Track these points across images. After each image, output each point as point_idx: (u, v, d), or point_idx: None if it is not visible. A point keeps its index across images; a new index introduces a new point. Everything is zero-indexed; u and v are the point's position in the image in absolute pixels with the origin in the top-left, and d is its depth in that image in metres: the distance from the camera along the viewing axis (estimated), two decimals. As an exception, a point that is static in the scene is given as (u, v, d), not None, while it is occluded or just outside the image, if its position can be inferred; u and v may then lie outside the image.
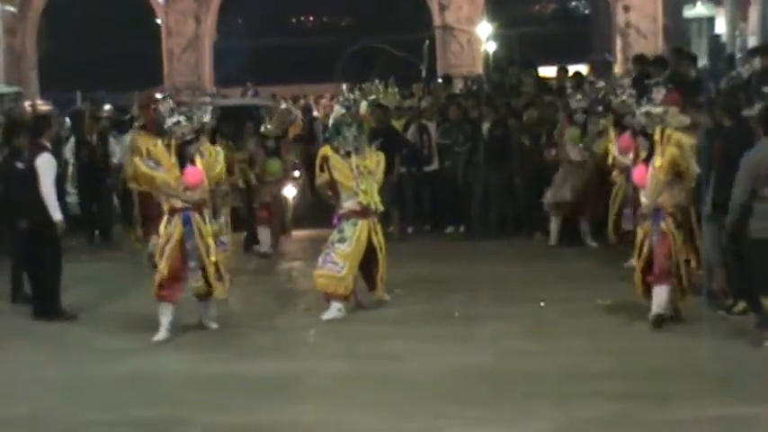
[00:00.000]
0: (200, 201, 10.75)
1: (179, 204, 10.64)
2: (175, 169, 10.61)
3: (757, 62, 14.43)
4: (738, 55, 22.50)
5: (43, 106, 28.44)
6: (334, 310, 11.39)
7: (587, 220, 15.17)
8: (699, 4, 30.79)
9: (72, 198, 18.15)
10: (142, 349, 10.33)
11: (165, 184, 10.60)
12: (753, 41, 23.62)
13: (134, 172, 11.02)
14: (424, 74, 32.60)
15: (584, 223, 15.25)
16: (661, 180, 10.26)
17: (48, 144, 12.07)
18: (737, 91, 12.44)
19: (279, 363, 9.77)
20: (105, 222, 17.57)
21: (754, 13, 24.91)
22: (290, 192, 16.06)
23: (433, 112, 18.07)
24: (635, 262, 10.70)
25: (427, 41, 37.71)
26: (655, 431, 7.73)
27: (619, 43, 36.67)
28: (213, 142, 12.29)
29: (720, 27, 28.93)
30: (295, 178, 16.50)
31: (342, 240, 11.53)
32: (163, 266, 10.62)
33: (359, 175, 11.56)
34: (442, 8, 37.41)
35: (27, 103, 27.40)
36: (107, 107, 24.18)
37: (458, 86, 23.31)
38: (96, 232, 17.41)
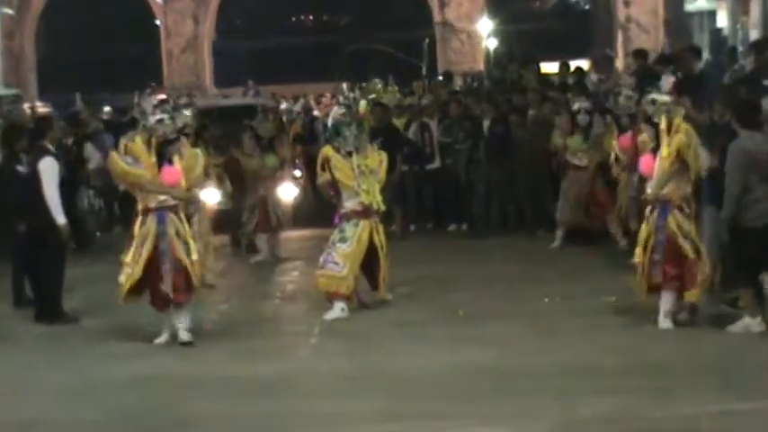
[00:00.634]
0: (182, 200, 10.68)
1: (153, 204, 10.43)
2: (154, 168, 10.43)
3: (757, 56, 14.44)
4: (740, 48, 22.51)
5: (42, 108, 28.50)
6: (337, 309, 11.43)
7: (614, 219, 14.47)
8: (700, -3, 30.80)
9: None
10: (143, 352, 10.36)
11: (146, 181, 10.38)
12: (754, 35, 23.63)
13: (113, 169, 10.70)
14: (424, 71, 32.67)
15: (612, 224, 14.59)
16: (667, 169, 10.14)
17: (50, 147, 12.01)
18: (738, 86, 12.47)
19: (282, 363, 9.80)
20: (76, 228, 17.41)
21: (755, 7, 24.92)
22: (290, 191, 16.04)
23: (434, 109, 18.08)
24: (638, 259, 10.51)
25: (427, 39, 37.79)
26: (657, 427, 7.74)
27: (620, 38, 36.70)
28: (194, 145, 12.31)
29: (722, 21, 28.92)
30: (296, 178, 16.51)
31: (343, 240, 11.57)
32: (137, 269, 10.41)
33: (360, 175, 11.59)
34: (442, 5, 37.46)
35: (26, 106, 27.45)
36: (106, 109, 24.26)
37: (458, 83, 23.32)
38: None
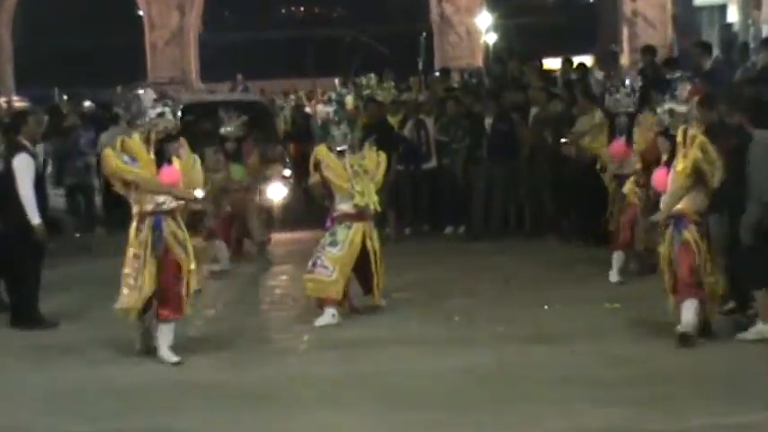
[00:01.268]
0: (184, 199, 10.47)
1: (150, 207, 10.06)
2: (152, 166, 10.06)
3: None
4: (752, 45, 22.54)
5: (19, 103, 28.49)
6: (328, 315, 11.44)
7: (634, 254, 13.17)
8: (710, -9, 30.80)
9: (53, 199, 18.25)
10: (125, 358, 10.35)
11: (144, 180, 10.02)
12: (766, 30, 23.65)
13: (106, 168, 10.30)
14: (420, 67, 32.68)
15: (635, 262, 13.22)
16: (682, 185, 10.01)
17: (26, 143, 11.93)
18: (744, 85, 12.50)
19: (270, 370, 9.83)
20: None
21: (767, 2, 24.94)
22: (280, 192, 16.02)
23: (431, 106, 18.08)
24: (664, 277, 10.28)
25: (424, 33, 37.78)
26: (662, 439, 7.82)
27: (625, 33, 36.71)
28: None
29: (732, 16, 28.93)
30: (285, 177, 16.52)
31: (333, 244, 11.57)
32: (146, 279, 9.97)
33: (354, 176, 11.59)
34: (440, -3, 37.43)
35: (2, 100, 27.45)
36: (87, 103, 24.29)
37: (455, 80, 23.32)
38: None
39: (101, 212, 19.67)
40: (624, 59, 34.25)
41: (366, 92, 18.87)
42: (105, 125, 19.23)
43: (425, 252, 15.92)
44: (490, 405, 8.55)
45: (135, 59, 39.66)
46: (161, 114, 10.14)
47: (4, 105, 24.82)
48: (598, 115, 14.25)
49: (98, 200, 19.72)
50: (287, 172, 18.64)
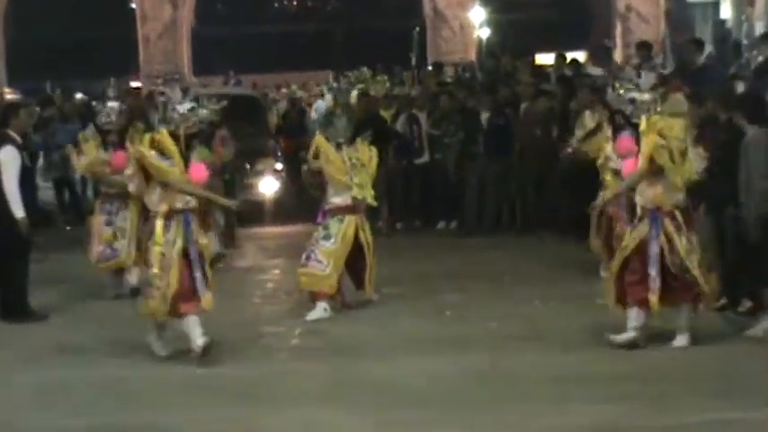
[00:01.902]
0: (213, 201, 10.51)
1: (179, 205, 9.72)
2: (182, 163, 9.71)
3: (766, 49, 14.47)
4: (744, 41, 22.52)
5: (11, 95, 28.39)
6: (320, 310, 11.39)
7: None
8: (703, -14, 30.82)
9: (43, 192, 18.20)
10: (115, 352, 10.30)
11: (181, 182, 9.63)
12: (760, 27, 23.64)
13: (140, 163, 9.79)
14: (414, 61, 32.64)
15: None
16: (640, 171, 9.75)
17: (14, 135, 11.85)
18: (733, 82, 12.45)
19: (261, 365, 9.77)
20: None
21: (760, -2, 24.95)
22: (271, 186, 15.96)
23: (424, 101, 18.03)
24: (610, 266, 10.16)
25: (417, 28, 37.73)
26: (657, 436, 7.77)
27: (619, 28, 36.68)
28: None
29: (726, 12, 28.94)
30: (277, 171, 16.45)
31: (326, 237, 11.52)
32: (171, 279, 9.60)
33: (352, 168, 11.55)
34: (433, -8, 37.36)
35: (-7, 92, 27.36)
36: (79, 96, 24.19)
37: (448, 74, 23.28)
38: None
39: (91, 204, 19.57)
40: (617, 55, 34.23)
41: (359, 86, 18.80)
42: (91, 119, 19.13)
43: (417, 247, 15.87)
44: (483, 403, 8.50)
45: (127, 52, 39.54)
46: (192, 109, 9.82)
47: (-4, 98, 24.71)
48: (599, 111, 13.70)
49: (89, 192, 19.61)
50: (279, 166, 18.59)
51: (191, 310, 9.77)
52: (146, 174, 9.80)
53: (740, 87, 11.85)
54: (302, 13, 57.15)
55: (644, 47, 17.19)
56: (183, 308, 9.74)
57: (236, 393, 8.98)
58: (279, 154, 19.38)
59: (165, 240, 9.65)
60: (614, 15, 37.10)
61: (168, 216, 9.70)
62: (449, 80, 21.31)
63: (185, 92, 10.16)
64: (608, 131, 12.35)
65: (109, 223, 12.64)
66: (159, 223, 9.68)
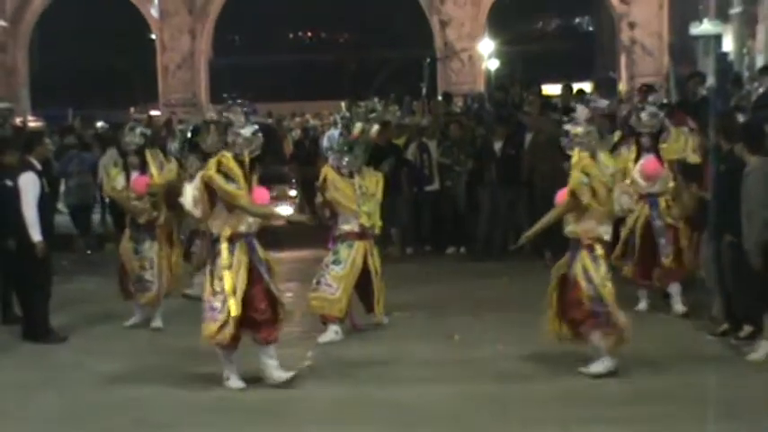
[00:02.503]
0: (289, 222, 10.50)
1: (244, 229, 9.50)
2: (246, 187, 9.50)
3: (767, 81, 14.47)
4: (746, 73, 22.53)
5: (34, 123, 28.49)
6: (331, 332, 11.38)
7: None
8: (705, 21, 30.83)
9: (63, 218, 18.25)
10: (133, 373, 10.32)
11: (246, 203, 9.42)
12: (761, 60, 23.66)
13: (209, 186, 9.46)
14: (424, 91, 32.69)
15: (674, 285, 12.22)
16: (564, 205, 9.69)
17: (35, 162, 11.99)
18: (735, 113, 12.44)
19: (273, 387, 9.73)
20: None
21: (761, 31, 24.96)
22: (285, 211, 15.98)
23: (435, 130, 18.08)
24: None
25: (428, 59, 37.81)
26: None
27: (623, 61, 36.71)
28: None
29: (728, 45, 28.97)
30: (291, 197, 16.47)
31: (336, 262, 11.52)
32: (236, 307, 9.33)
33: (361, 196, 11.57)
34: (443, 25, 37.43)
35: (18, 120, 27.43)
36: (99, 123, 24.24)
37: (458, 104, 23.32)
38: None
39: (111, 229, 19.61)
40: (622, 86, 34.27)
41: (371, 115, 18.80)
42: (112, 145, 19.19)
43: (427, 271, 15.83)
44: (490, 424, 8.49)
45: (147, 82, 39.71)
46: (255, 133, 9.61)
47: (20, 125, 24.78)
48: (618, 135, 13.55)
49: (108, 218, 19.64)
50: (292, 192, 18.61)
51: (268, 338, 9.57)
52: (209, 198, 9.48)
53: (741, 118, 11.84)
54: (317, 44, 57.37)
55: (649, 90, 17.04)
56: (263, 334, 9.52)
57: (249, 414, 8.97)
58: (293, 181, 19.40)
59: (231, 264, 9.41)
60: (619, 48, 37.14)
61: (232, 240, 9.46)
62: (458, 110, 21.33)
63: (250, 114, 9.93)
64: (633, 154, 12.13)
65: (137, 252, 12.26)
66: (224, 247, 9.44)
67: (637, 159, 12.09)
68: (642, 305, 12.19)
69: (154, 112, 31.53)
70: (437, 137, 17.84)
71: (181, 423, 8.81)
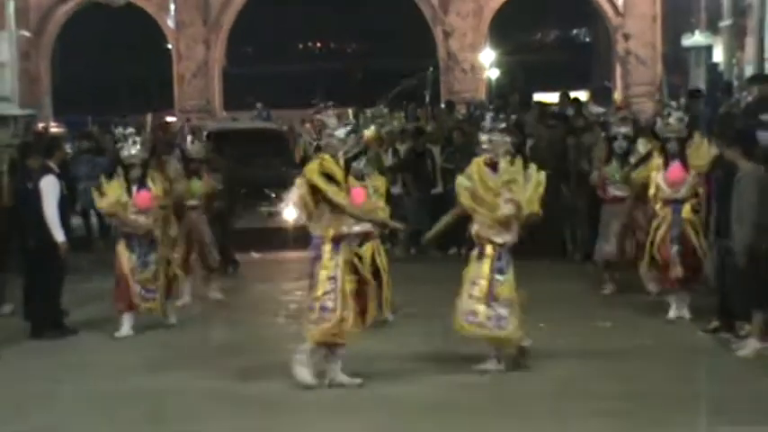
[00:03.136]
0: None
1: (346, 229, 9.31)
2: (345, 188, 9.29)
3: (755, 90, 14.45)
4: (736, 83, 22.52)
5: (55, 128, 28.53)
6: None
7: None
8: (697, 33, 30.82)
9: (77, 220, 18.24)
10: (148, 366, 10.34)
11: (350, 207, 9.29)
12: (750, 70, 23.64)
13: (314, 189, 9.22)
14: (427, 99, 32.69)
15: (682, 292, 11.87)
16: (456, 207, 9.99)
17: (54, 166, 12.01)
18: (732, 120, 12.43)
19: (284, 380, 9.69)
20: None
21: (750, 42, 24.92)
22: (294, 213, 15.88)
23: (439, 136, 18.17)
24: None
25: (431, 68, 37.81)
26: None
27: (618, 70, 36.72)
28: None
29: (718, 56, 28.96)
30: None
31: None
32: (340, 306, 9.15)
33: (374, 194, 11.60)
34: (446, 35, 37.44)
35: (40, 126, 27.49)
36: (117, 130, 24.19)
37: (460, 112, 23.36)
38: None
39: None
40: (617, 95, 34.27)
41: (379, 121, 18.89)
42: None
43: (430, 271, 15.81)
44: (489, 419, 8.47)
45: (163, 89, 39.75)
46: (349, 134, 9.43)
47: (41, 130, 24.83)
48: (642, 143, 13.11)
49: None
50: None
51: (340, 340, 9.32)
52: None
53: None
54: (325, 54, 57.41)
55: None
56: (332, 338, 9.27)
57: (260, 405, 8.98)
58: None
59: (334, 265, 9.22)
60: (615, 58, 37.15)
61: (336, 241, 9.26)
62: (460, 117, 21.38)
63: (343, 117, 9.75)
64: (659, 160, 11.82)
65: (144, 264, 11.81)
66: (327, 248, 9.24)
67: (665, 165, 11.68)
68: (672, 313, 11.66)
69: (170, 118, 31.51)
70: (441, 143, 17.91)
71: (191, 413, 8.82)
